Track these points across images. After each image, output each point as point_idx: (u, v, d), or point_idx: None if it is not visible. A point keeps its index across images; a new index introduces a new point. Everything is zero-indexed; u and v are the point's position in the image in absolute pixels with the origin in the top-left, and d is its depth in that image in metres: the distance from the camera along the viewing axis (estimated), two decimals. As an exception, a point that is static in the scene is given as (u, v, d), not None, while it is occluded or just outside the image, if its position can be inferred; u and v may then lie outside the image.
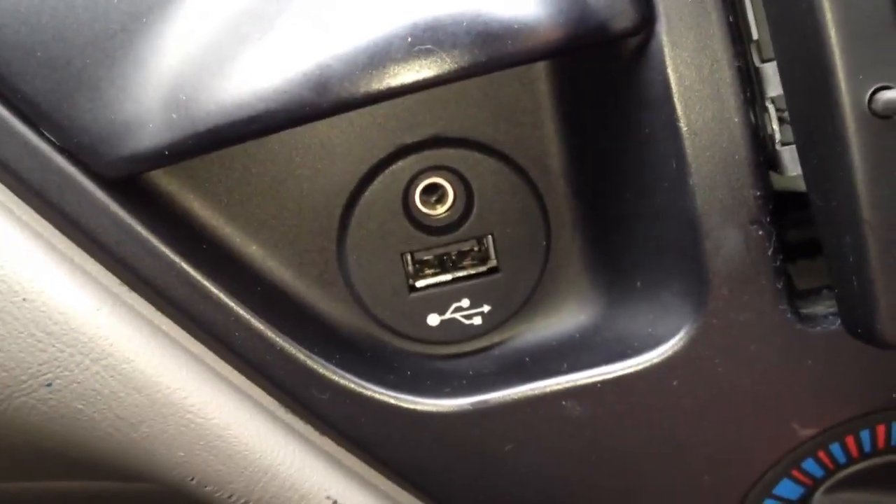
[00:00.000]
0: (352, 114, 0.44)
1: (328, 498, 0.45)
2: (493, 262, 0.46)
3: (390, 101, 0.43)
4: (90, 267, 0.41)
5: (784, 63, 0.38)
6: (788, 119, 0.39)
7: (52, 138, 0.39)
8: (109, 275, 0.41)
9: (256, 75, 0.37)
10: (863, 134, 0.35)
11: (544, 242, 0.46)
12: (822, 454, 0.45)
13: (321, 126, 0.44)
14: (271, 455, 0.44)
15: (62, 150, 0.40)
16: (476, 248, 0.46)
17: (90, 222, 0.40)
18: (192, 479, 0.44)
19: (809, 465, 0.45)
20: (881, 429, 0.45)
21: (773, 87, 0.40)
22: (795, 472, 0.45)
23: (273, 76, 0.37)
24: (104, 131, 0.39)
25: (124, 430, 0.42)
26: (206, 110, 0.38)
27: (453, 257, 0.47)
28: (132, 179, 0.41)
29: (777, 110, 0.40)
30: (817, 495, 0.46)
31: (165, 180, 0.43)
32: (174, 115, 0.38)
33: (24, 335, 0.40)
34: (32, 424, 0.41)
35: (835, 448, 0.45)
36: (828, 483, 0.46)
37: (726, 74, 0.39)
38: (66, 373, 0.40)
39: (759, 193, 0.40)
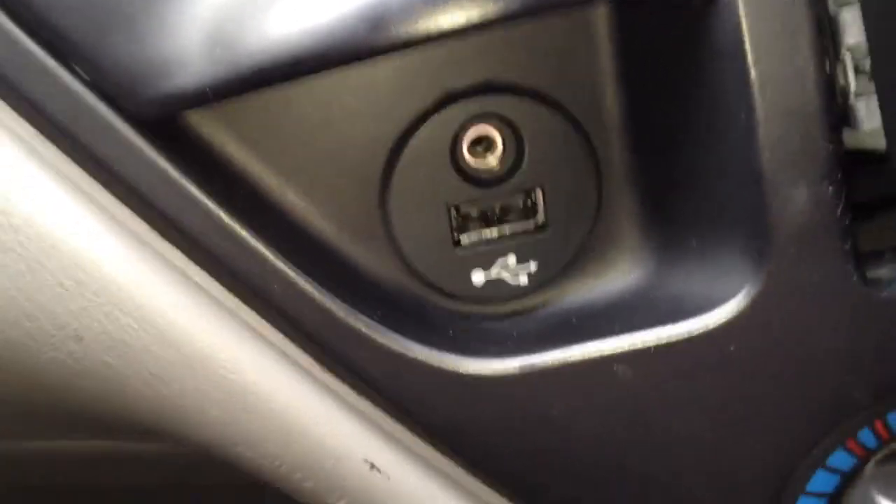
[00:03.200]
0: (397, 57, 0.41)
1: (365, 461, 0.43)
2: (541, 218, 0.44)
3: (438, 44, 0.41)
4: (121, 213, 0.39)
5: (868, 6, 0.36)
6: (864, 70, 0.37)
7: (85, 76, 0.37)
8: (142, 222, 0.39)
9: (307, 10, 0.35)
10: (955, 84, 0.33)
11: (596, 197, 0.44)
12: (878, 423, 0.44)
13: (365, 69, 0.42)
14: (307, 415, 0.42)
15: (95, 88, 0.37)
16: (524, 203, 0.44)
17: (122, 166, 0.38)
18: (224, 438, 0.42)
19: (865, 434, 0.44)
20: (943, 398, 0.43)
21: (851, 34, 0.37)
22: (850, 442, 0.44)
23: (326, 11, 0.35)
24: (141, 68, 0.37)
25: (156, 386, 0.40)
26: (252, 47, 0.35)
27: (498, 212, 0.45)
28: (167, 121, 0.39)
29: (853, 60, 0.38)
30: (869, 466, 0.45)
31: (202, 123, 0.41)
32: (218, 51, 0.36)
33: (52, 284, 0.38)
34: (62, 380, 0.40)
35: (892, 417, 0.44)
36: (881, 454, 0.45)
37: (802, 21, 0.37)
38: (96, 324, 0.39)
39: (831, 149, 0.38)
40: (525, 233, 0.45)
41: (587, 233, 0.45)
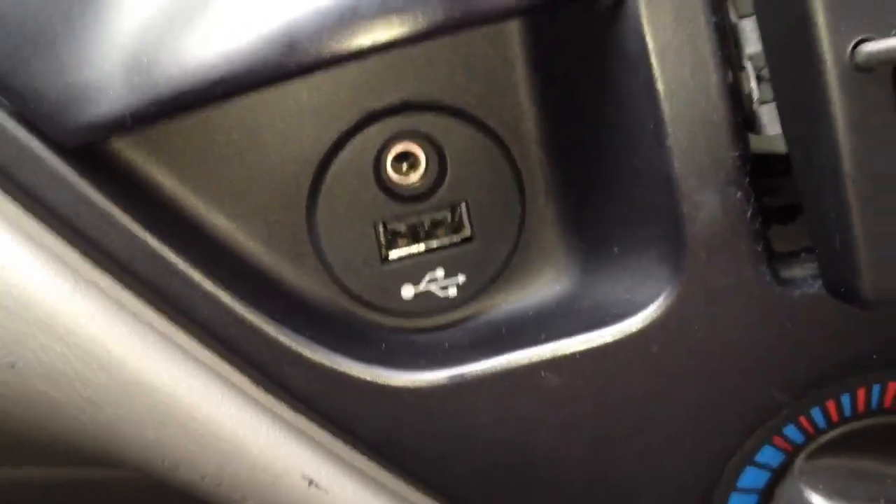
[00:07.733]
0: (318, 79, 0.43)
1: (303, 477, 0.44)
2: (467, 231, 0.45)
3: (358, 65, 0.42)
4: (49, 241, 0.40)
5: (763, 16, 0.37)
6: (766, 77, 0.39)
7: (6, 104, 0.38)
8: (70, 249, 0.40)
9: (221, 35, 0.36)
10: (845, 88, 0.34)
11: (519, 209, 0.45)
12: (802, 419, 0.45)
13: (287, 92, 0.43)
14: (244, 434, 0.42)
15: (17, 117, 0.38)
16: (450, 218, 0.45)
17: (48, 194, 0.38)
18: (162, 461, 0.42)
19: (790, 430, 0.45)
20: (861, 392, 0.45)
21: (752, 43, 0.39)
22: (776, 439, 0.45)
23: (238, 36, 0.36)
24: (62, 97, 0.37)
25: (90, 411, 0.40)
26: (169, 73, 0.36)
27: (426, 227, 0.45)
28: (92, 148, 0.39)
29: (755, 68, 0.39)
30: (798, 461, 0.46)
31: (127, 149, 0.42)
32: (136, 79, 0.36)
33: (-18, 314, 0.38)
34: (-4, 406, 0.40)
35: (815, 413, 0.45)
36: (809, 449, 0.46)
37: (704, 31, 0.38)
38: (28, 353, 0.39)
39: (737, 154, 0.39)
40: (452, 246, 0.46)
41: (513, 244, 0.46)
